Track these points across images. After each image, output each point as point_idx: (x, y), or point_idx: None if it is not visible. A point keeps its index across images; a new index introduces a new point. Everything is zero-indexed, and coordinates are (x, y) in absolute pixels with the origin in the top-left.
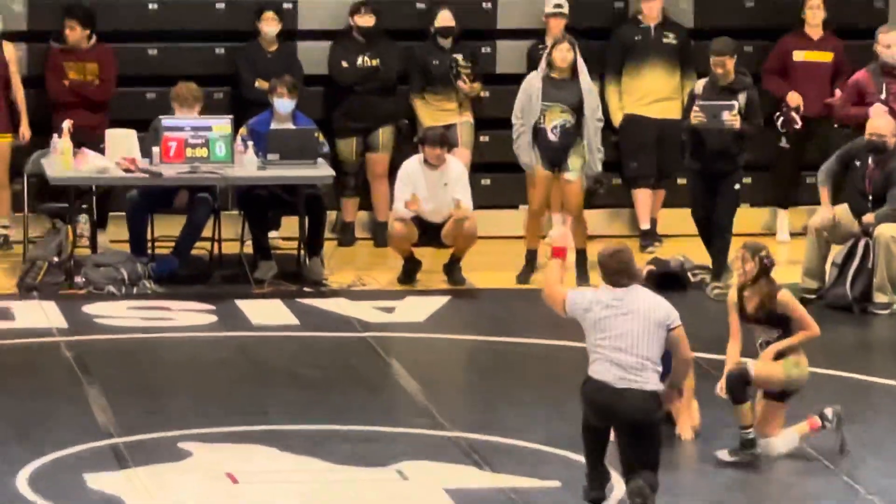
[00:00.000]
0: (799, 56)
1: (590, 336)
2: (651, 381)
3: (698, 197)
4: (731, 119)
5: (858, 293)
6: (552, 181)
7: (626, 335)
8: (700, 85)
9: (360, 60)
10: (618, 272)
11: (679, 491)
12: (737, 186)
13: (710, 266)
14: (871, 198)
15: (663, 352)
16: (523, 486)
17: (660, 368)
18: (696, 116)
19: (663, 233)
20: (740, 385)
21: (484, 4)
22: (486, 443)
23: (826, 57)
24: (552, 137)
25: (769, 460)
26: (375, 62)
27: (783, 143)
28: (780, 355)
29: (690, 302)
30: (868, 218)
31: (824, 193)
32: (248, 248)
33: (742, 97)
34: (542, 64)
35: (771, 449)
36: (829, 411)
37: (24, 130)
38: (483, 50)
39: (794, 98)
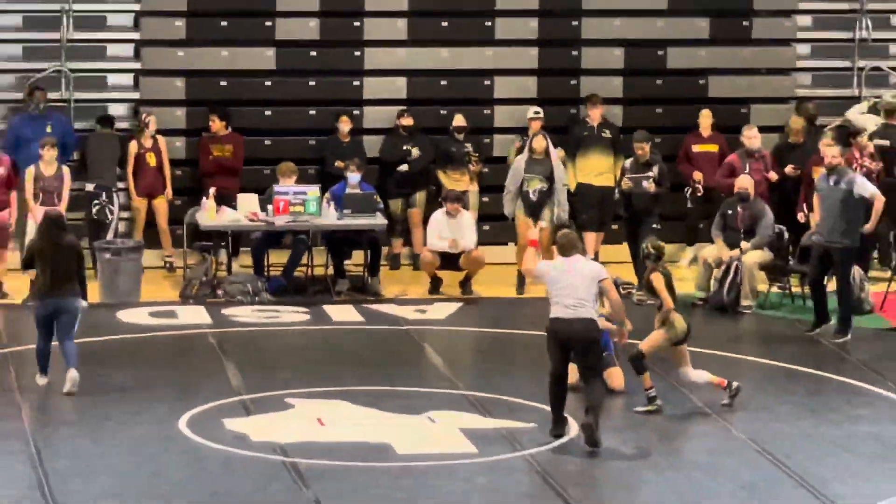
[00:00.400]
0: (696, 148)
1: (549, 290)
2: (588, 314)
3: (629, 236)
4: (649, 186)
5: (732, 299)
6: (530, 227)
7: (570, 286)
8: (628, 162)
9: (404, 148)
10: (564, 246)
11: (610, 431)
12: (655, 225)
13: (636, 282)
14: (742, 233)
15: (597, 296)
16: (511, 426)
17: (596, 307)
18: (626, 184)
19: (603, 261)
20: (638, 362)
21: (485, 111)
22: (487, 398)
23: (714, 147)
24: (532, 197)
25: (673, 404)
26: (415, 150)
27: (689, 204)
28: (662, 323)
29: None
30: (744, 245)
31: (718, 240)
32: (331, 271)
33: (655, 168)
34: (526, 149)
35: (684, 376)
36: (735, 384)
37: (169, 193)
38: (485, 141)
39: (697, 175)
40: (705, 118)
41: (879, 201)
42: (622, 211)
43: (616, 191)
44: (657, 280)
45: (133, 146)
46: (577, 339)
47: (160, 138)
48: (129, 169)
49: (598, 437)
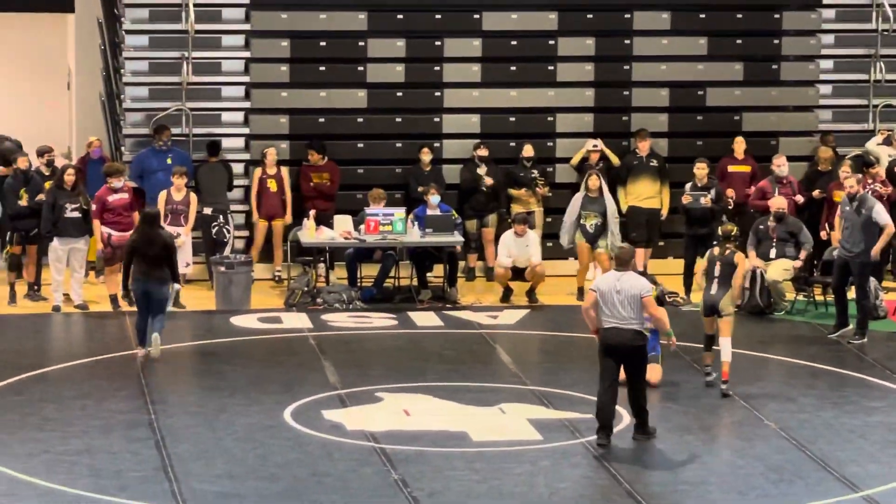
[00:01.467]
0: (731, 168)
1: (601, 307)
2: (634, 325)
3: (689, 248)
4: (706, 201)
5: (766, 301)
6: (590, 251)
7: (616, 304)
8: (689, 186)
9: (479, 175)
10: (620, 259)
11: (655, 421)
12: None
13: (681, 292)
14: (775, 242)
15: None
16: (572, 417)
17: (641, 321)
18: (686, 199)
19: (651, 272)
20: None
21: (548, 143)
22: (550, 392)
23: (746, 168)
24: (590, 230)
25: (710, 396)
26: (489, 178)
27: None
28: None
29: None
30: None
31: (752, 252)
32: (415, 282)
33: (713, 191)
34: (581, 188)
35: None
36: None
37: (289, 217)
38: (548, 169)
39: (730, 192)
40: (739, 144)
41: (890, 228)
42: (684, 226)
43: (681, 205)
44: (741, 259)
45: (257, 173)
46: (623, 347)
47: (283, 168)
48: (254, 193)
49: (648, 430)
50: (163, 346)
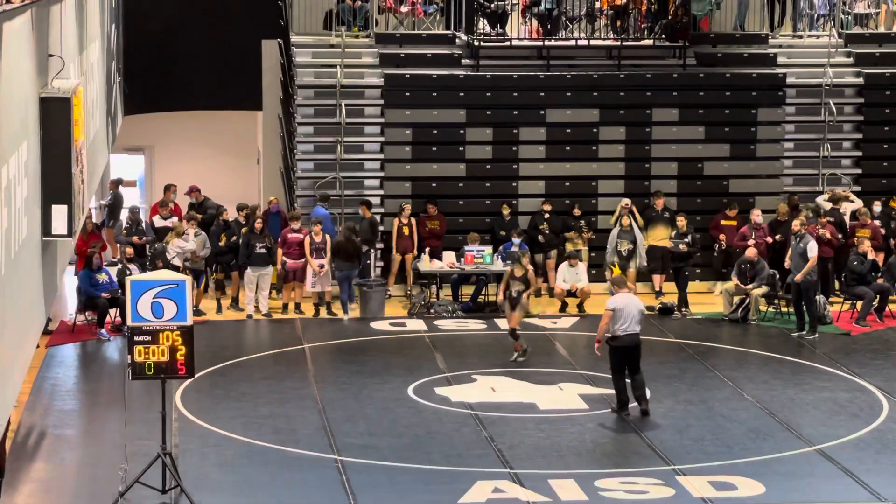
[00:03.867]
0: (723, 221)
1: (616, 318)
2: (637, 331)
3: (675, 277)
4: (682, 247)
5: (743, 316)
6: (625, 272)
7: (628, 315)
8: (673, 234)
9: (542, 226)
10: (617, 282)
11: (668, 397)
12: (686, 272)
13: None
14: (749, 279)
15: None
16: (609, 393)
17: (642, 326)
18: (670, 244)
19: (665, 291)
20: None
21: (592, 201)
22: (594, 375)
23: (734, 222)
24: (623, 254)
25: (706, 378)
26: (545, 225)
27: (715, 254)
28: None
29: (672, 320)
30: (752, 286)
31: (735, 279)
32: (500, 298)
33: (689, 237)
34: (617, 225)
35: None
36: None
37: (415, 251)
38: (592, 219)
39: (722, 237)
40: (734, 209)
41: (813, 261)
42: (671, 262)
43: (671, 248)
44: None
45: (395, 222)
46: (633, 347)
47: (412, 219)
48: (394, 236)
49: (647, 409)
50: (322, 343)
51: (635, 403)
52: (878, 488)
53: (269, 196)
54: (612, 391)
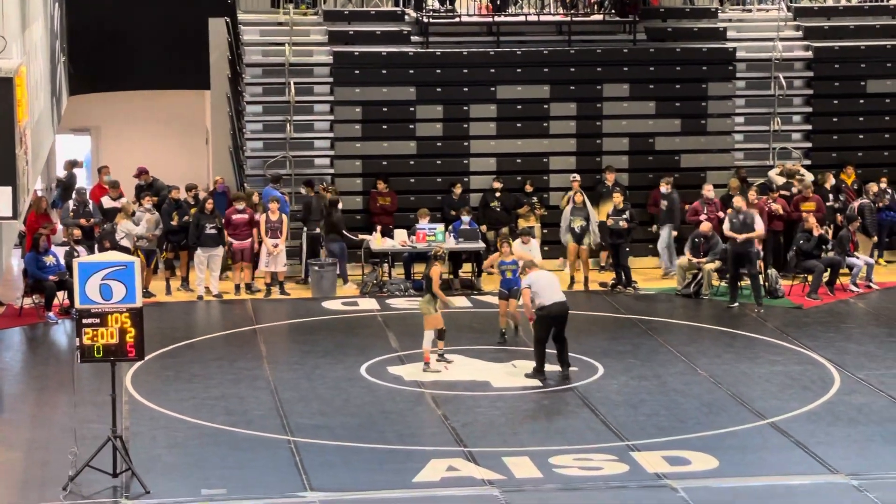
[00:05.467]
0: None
1: (540, 290)
2: (564, 298)
3: (612, 254)
4: (622, 224)
5: (696, 291)
6: (577, 249)
7: (548, 286)
8: (611, 210)
9: (493, 203)
10: (528, 265)
11: (621, 374)
12: (627, 248)
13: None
14: (703, 253)
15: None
16: (560, 369)
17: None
18: (610, 222)
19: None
20: None
21: (544, 177)
22: (548, 353)
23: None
24: (577, 231)
25: (662, 355)
26: (495, 203)
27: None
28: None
29: (625, 295)
30: (704, 260)
31: (688, 254)
32: (451, 276)
33: (627, 213)
34: (570, 201)
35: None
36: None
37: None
38: (544, 196)
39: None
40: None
41: (759, 231)
42: (608, 238)
43: (608, 226)
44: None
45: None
46: (564, 315)
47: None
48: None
49: (568, 374)
50: (274, 323)
51: (558, 368)
52: (831, 460)
53: (218, 176)
54: (560, 367)
